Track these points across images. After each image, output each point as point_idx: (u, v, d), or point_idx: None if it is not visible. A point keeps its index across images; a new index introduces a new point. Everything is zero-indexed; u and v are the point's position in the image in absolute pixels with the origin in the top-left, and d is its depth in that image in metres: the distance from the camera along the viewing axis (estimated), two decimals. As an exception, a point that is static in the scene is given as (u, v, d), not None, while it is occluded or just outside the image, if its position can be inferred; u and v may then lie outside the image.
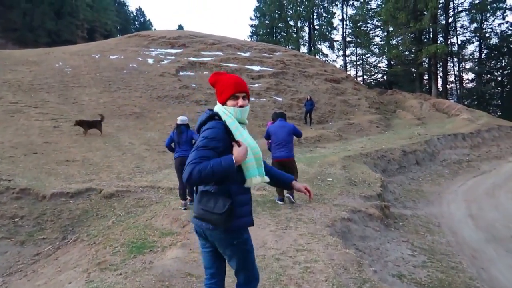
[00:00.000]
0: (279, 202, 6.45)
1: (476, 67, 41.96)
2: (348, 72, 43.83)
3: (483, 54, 42.16)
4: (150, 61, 22.88)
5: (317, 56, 44.47)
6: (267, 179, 2.40)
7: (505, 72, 42.48)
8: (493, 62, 42.14)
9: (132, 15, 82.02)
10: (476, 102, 42.32)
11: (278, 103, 20.09)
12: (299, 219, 5.51)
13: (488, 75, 42.98)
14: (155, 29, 62.19)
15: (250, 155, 2.26)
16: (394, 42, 41.17)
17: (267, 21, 54.21)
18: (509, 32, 39.37)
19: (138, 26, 77.49)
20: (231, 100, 2.31)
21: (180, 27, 79.65)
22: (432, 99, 30.65)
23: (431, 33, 36.66)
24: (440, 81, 37.58)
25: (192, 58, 23.98)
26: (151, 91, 18.02)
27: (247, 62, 25.47)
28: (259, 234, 4.76)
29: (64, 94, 16.09)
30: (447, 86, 40.00)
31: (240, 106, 2.31)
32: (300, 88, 23.61)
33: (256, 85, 22.22)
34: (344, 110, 22.77)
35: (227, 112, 2.30)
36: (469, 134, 19.19)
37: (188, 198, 6.13)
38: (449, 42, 38.51)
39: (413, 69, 43.83)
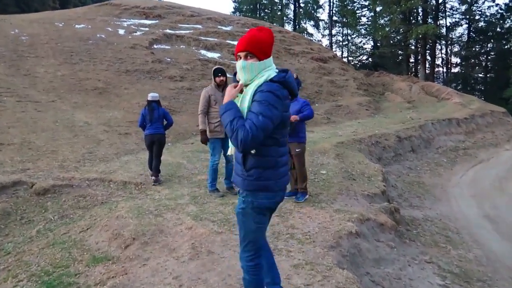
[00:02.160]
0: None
1: (463, 51, 40.94)
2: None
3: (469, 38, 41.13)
4: (121, 32, 20.66)
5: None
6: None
7: (489, 57, 41.62)
8: (478, 46, 41.04)
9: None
10: (460, 87, 41.50)
11: (261, 82, 18.37)
12: (290, 235, 3.97)
13: (473, 60, 42.04)
14: None
15: None
16: (382, 22, 39.69)
17: (249, -3, 51.62)
18: (498, 15, 38.33)
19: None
20: None
21: None
22: (421, 82, 29.45)
23: (421, 14, 35.24)
24: (427, 64, 36.41)
25: (168, 30, 21.86)
26: (119, 65, 16.00)
27: (229, 36, 23.50)
28: (226, 264, 3.22)
29: (15, 64, 13.94)
30: (435, 69, 38.86)
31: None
32: (285, 66, 21.86)
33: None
34: (332, 91, 21.24)
35: None
36: (464, 120, 18.04)
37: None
38: (438, 23, 37.18)
39: (400, 51, 42.70)
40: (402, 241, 4.93)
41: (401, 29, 35.53)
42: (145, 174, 6.65)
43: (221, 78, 5.35)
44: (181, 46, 20.57)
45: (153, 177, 6.21)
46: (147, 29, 21.67)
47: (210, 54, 20.60)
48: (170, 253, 3.52)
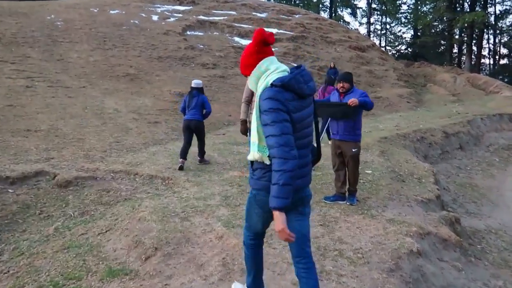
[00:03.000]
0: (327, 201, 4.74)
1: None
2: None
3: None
4: (155, 18, 20.36)
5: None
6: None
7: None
8: None
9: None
10: (507, 80, 38.82)
11: (296, 71, 17.59)
12: (339, 252, 3.33)
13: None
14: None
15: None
16: (424, 9, 37.64)
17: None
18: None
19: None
20: None
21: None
22: (466, 73, 27.64)
23: (469, 0, 32.99)
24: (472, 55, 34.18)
25: (201, 17, 21.38)
26: (152, 51, 15.67)
27: (263, 23, 22.73)
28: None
29: (49, 49, 13.85)
30: (481, 60, 36.47)
31: None
32: (321, 55, 20.95)
33: (273, 49, 19.64)
34: (370, 81, 20.14)
35: None
36: (516, 115, 16.57)
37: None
38: (486, 11, 34.72)
39: (443, 41, 40.41)
40: (468, 260, 4.17)
41: (445, 17, 33.51)
42: (173, 167, 6.16)
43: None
44: (215, 33, 20.06)
45: (181, 163, 6.15)
46: (180, 15, 21.27)
47: (244, 41, 19.95)
48: (197, 270, 2.97)
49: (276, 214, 1.92)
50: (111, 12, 19.85)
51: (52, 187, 5.38)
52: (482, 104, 18.91)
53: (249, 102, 4.76)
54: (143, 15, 20.30)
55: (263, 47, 2.13)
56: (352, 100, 4.33)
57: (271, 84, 2.01)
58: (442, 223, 4.48)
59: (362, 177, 5.92)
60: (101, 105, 9.83)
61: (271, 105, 1.95)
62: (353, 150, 4.61)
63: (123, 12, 20.11)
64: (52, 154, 6.52)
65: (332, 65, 17.03)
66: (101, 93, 10.90)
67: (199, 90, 6.52)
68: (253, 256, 2.42)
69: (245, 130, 4.77)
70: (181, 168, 6.06)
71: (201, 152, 6.57)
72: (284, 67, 2.11)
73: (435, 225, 4.33)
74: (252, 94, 4.75)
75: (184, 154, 6.23)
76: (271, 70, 2.08)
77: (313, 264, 2.20)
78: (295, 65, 2.38)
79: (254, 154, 2.10)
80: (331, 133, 5.12)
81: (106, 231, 3.88)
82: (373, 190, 5.31)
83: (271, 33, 2.18)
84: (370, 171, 6.27)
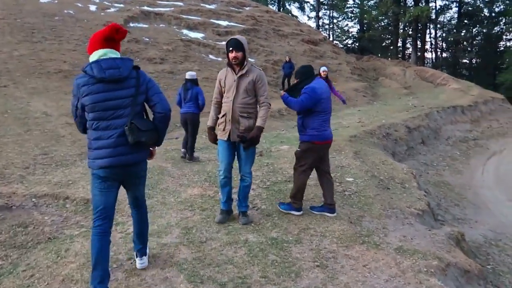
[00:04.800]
0: (294, 213, 4.03)
1: (451, 36, 39.78)
2: (321, 36, 40.50)
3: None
4: (93, 8, 18.42)
5: (288, 17, 40.62)
6: None
7: (474, 42, 40.45)
8: (463, 31, 39.72)
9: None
10: (448, 72, 40.54)
11: (250, 65, 16.63)
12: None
13: (462, 44, 40.99)
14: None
15: None
16: (370, 3, 38.22)
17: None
18: (487, -1, 37.20)
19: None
20: None
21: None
22: (413, 66, 28.21)
23: (413, -5, 33.81)
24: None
25: (145, 8, 19.70)
26: (89, 44, 13.93)
27: (213, 15, 21.51)
28: None
29: (-38, 42, 11.76)
30: (425, 54, 37.67)
31: None
32: (274, 48, 20.15)
33: (223, 42, 18.51)
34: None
35: None
36: (468, 107, 16.87)
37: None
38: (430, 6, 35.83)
39: (388, 35, 41.39)
40: (489, 291, 3.43)
41: (389, 12, 34.13)
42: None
43: (234, 54, 3.49)
44: (161, 25, 18.53)
45: (184, 155, 6.37)
46: (122, 5, 19.46)
47: (193, 34, 18.65)
48: None
49: None
50: (41, 1, 17.64)
51: None
52: (434, 96, 19.10)
53: (220, 104, 3.68)
54: (79, 4, 18.27)
55: (104, 41, 2.47)
56: (281, 93, 4.14)
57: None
58: (452, 245, 3.71)
59: (346, 187, 5.07)
60: (26, 108, 8.22)
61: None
62: (297, 148, 4.13)
63: (56, 1, 17.97)
64: (-47, 175, 5.02)
65: (287, 59, 16.29)
66: (27, 93, 9.22)
67: (193, 82, 6.40)
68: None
69: (215, 139, 3.70)
70: (183, 158, 6.35)
71: (191, 150, 6.36)
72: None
73: (448, 249, 3.54)
74: (221, 94, 3.69)
75: (185, 145, 6.39)
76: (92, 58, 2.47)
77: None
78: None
79: None
80: None
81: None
82: (363, 204, 4.45)
83: (120, 29, 2.52)
84: (351, 179, 5.43)
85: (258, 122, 3.56)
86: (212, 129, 3.72)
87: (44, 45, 12.87)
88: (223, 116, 3.61)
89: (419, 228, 4.02)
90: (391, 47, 42.10)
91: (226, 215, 3.80)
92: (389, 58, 35.68)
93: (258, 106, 3.64)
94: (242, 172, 3.72)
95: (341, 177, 5.52)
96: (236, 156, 3.71)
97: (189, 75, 6.52)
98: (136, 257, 2.83)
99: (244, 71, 3.54)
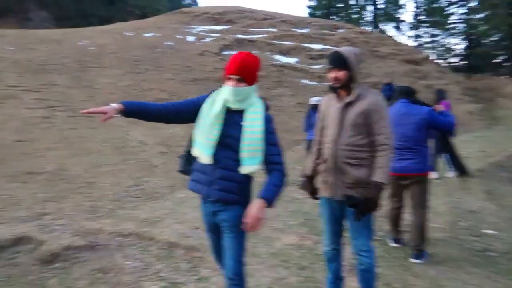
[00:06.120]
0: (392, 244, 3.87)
1: None
2: (421, 55, 37.71)
3: None
4: (190, 38, 19.33)
5: (384, 37, 38.77)
6: (206, 157, 2.17)
7: None
8: None
9: (185, 1, 79.23)
10: None
11: (346, 88, 15.69)
12: None
13: None
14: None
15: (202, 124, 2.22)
16: (479, 16, 34.65)
17: (323, 1, 48.70)
18: None
19: (190, 12, 74.43)
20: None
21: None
22: (536, 85, 24.36)
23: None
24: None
25: (239, 35, 20.11)
26: (187, 73, 14.41)
27: (306, 39, 21.12)
28: None
29: (78, 76, 12.87)
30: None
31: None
32: (372, 70, 18.92)
33: (317, 66, 17.92)
34: (431, 97, 17.73)
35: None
36: None
37: None
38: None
39: (501, 51, 36.96)
40: None
41: (501, 26, 30.46)
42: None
43: (334, 73, 2.57)
44: (254, 51, 18.61)
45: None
46: (217, 35, 20.12)
47: (286, 59, 18.37)
48: None
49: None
50: (145, 35, 19.02)
51: (33, 263, 3.77)
52: None
53: (320, 142, 2.83)
54: (179, 36, 19.33)
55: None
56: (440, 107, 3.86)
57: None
58: None
59: (487, 244, 3.87)
60: (124, 137, 8.41)
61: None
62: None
63: (158, 35, 19.25)
64: (48, 208, 4.99)
65: (388, 82, 15.01)
66: (127, 122, 9.48)
67: (315, 108, 6.18)
68: None
69: (313, 192, 2.79)
70: None
71: None
72: None
73: None
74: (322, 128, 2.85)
75: None
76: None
77: None
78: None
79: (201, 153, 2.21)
80: None
81: None
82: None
83: None
84: (492, 231, 4.18)
85: (376, 176, 2.44)
86: (310, 179, 2.78)
87: (145, 76, 13.57)
88: (323, 162, 2.67)
89: None
90: (504, 64, 37.41)
91: None
92: (506, 76, 31.63)
93: (374, 149, 2.54)
94: (355, 248, 2.63)
95: (476, 228, 4.31)
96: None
97: (315, 101, 6.45)
98: None
99: (352, 98, 2.55)
